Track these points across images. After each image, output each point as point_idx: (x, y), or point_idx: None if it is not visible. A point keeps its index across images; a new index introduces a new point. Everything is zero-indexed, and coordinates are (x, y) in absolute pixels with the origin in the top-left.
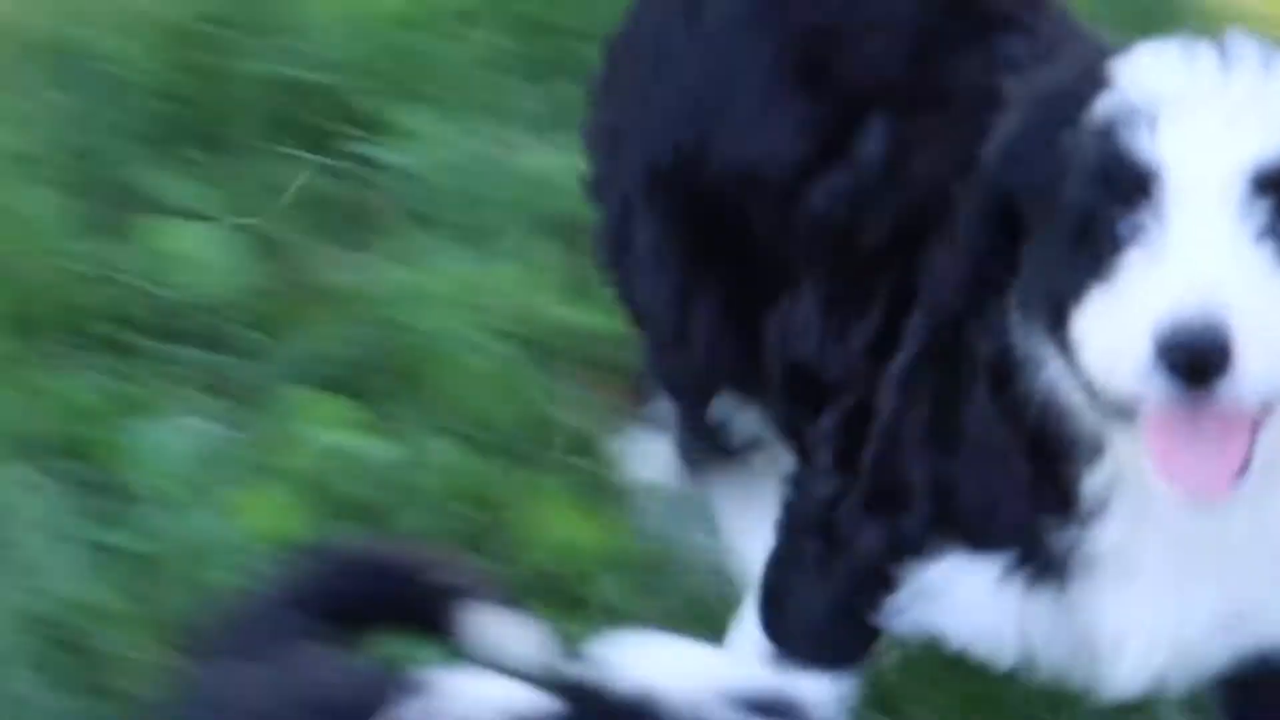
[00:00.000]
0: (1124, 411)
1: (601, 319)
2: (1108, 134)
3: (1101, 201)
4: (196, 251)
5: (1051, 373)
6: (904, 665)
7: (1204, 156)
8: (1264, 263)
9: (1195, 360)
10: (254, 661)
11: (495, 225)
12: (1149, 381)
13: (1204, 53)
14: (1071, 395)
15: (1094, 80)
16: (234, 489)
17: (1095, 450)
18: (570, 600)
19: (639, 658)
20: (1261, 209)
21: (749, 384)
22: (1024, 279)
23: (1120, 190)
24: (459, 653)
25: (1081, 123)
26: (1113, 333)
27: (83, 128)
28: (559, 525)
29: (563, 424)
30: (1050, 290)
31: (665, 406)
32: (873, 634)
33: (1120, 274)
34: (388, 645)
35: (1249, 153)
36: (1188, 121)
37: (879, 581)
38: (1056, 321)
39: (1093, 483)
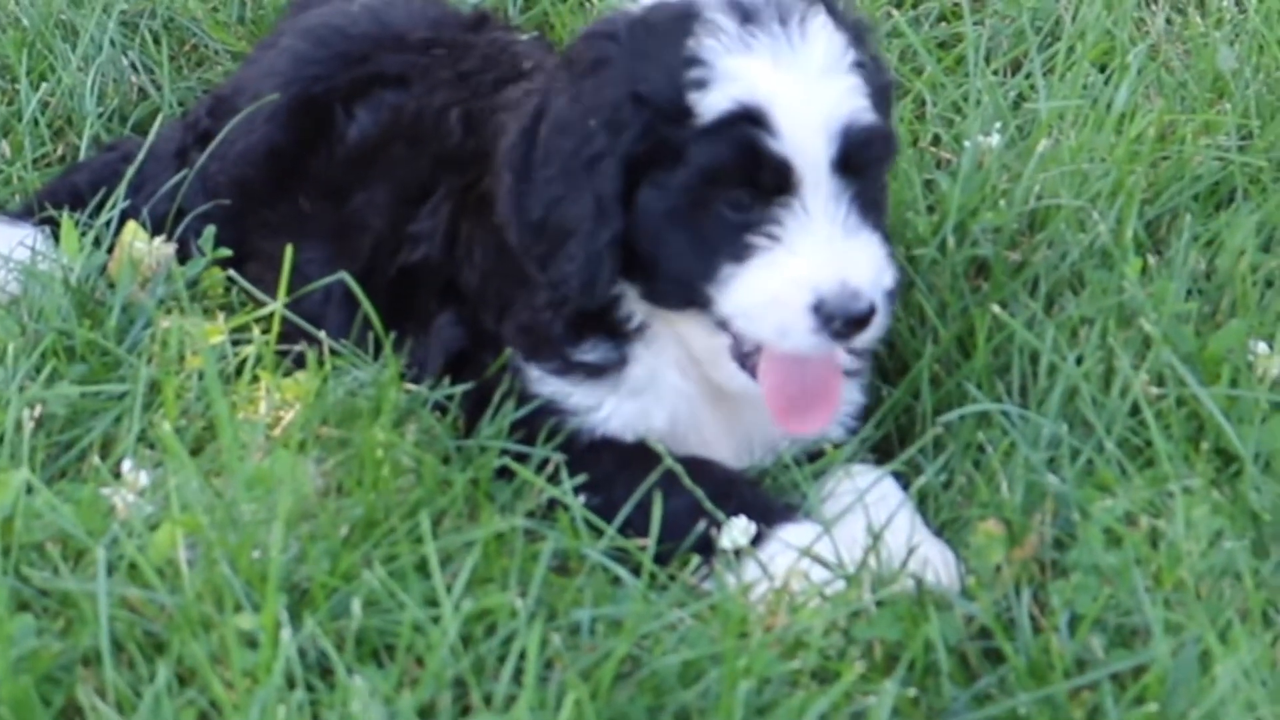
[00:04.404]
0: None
1: None
2: (733, 132)
3: (735, 193)
4: None
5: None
6: None
7: (814, 145)
8: (866, 231)
9: (852, 324)
10: None
11: None
12: (809, 341)
13: (784, 34)
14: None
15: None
16: None
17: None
18: None
19: None
20: (849, 183)
21: None
22: (640, 248)
23: (752, 184)
24: None
25: (690, 118)
26: (770, 306)
27: None
28: None
29: None
30: (682, 264)
31: None
32: None
33: (763, 255)
34: None
35: (840, 133)
36: (795, 114)
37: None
38: (687, 287)
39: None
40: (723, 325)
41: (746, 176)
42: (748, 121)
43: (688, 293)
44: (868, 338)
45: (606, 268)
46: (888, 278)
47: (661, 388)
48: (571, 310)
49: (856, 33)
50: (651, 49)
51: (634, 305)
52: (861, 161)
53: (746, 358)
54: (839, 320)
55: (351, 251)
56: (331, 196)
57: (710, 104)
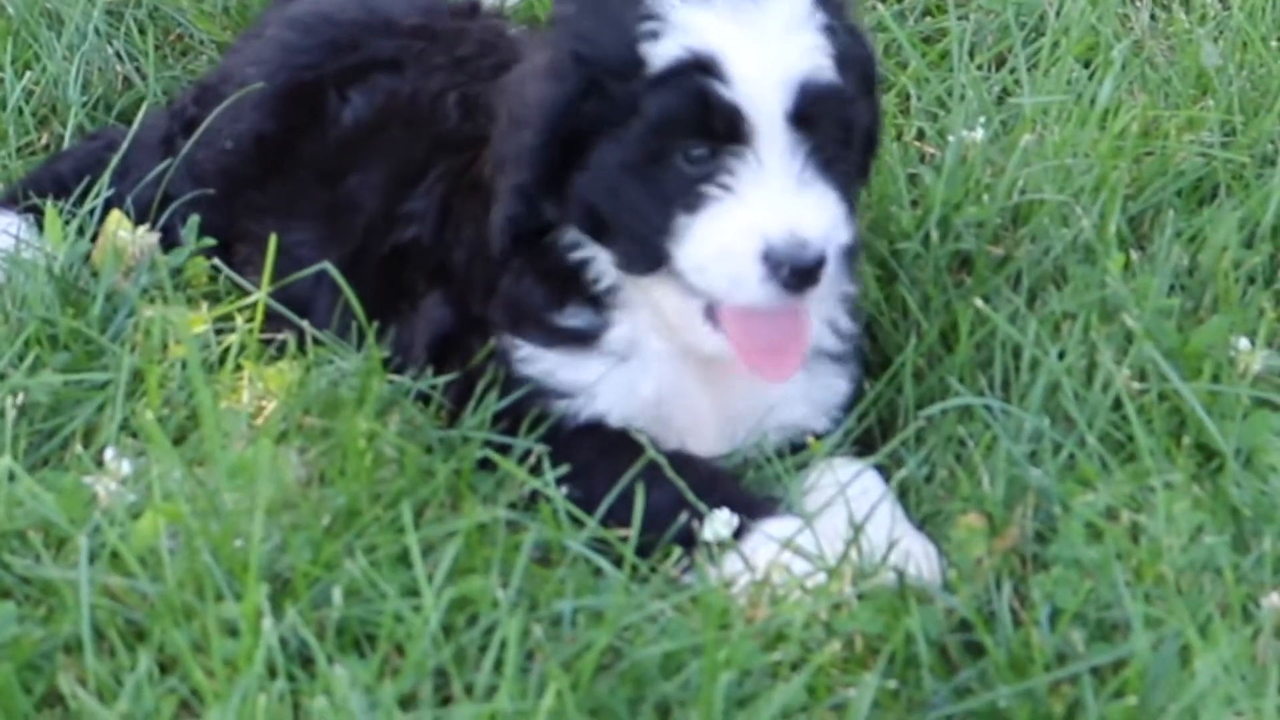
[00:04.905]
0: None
1: None
2: (681, 81)
3: (690, 145)
4: None
5: (579, 243)
6: None
7: (767, 96)
8: (821, 186)
9: (802, 275)
10: None
11: None
12: (759, 292)
13: None
14: (600, 261)
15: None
16: None
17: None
18: None
19: None
20: (806, 138)
21: None
22: (586, 201)
23: (704, 133)
24: None
25: (642, 70)
26: (720, 256)
27: None
28: None
29: None
30: (639, 218)
31: None
32: None
33: (715, 206)
34: None
35: (796, 86)
36: (748, 64)
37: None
38: (647, 245)
39: (606, 295)
40: (685, 283)
41: (699, 126)
42: (698, 70)
43: (649, 251)
44: (820, 292)
45: (523, 212)
46: (842, 234)
47: (645, 353)
48: (510, 250)
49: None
50: (606, 6)
51: (605, 269)
52: (818, 116)
53: (716, 316)
54: (787, 268)
55: (343, 232)
56: (324, 179)
57: (661, 53)
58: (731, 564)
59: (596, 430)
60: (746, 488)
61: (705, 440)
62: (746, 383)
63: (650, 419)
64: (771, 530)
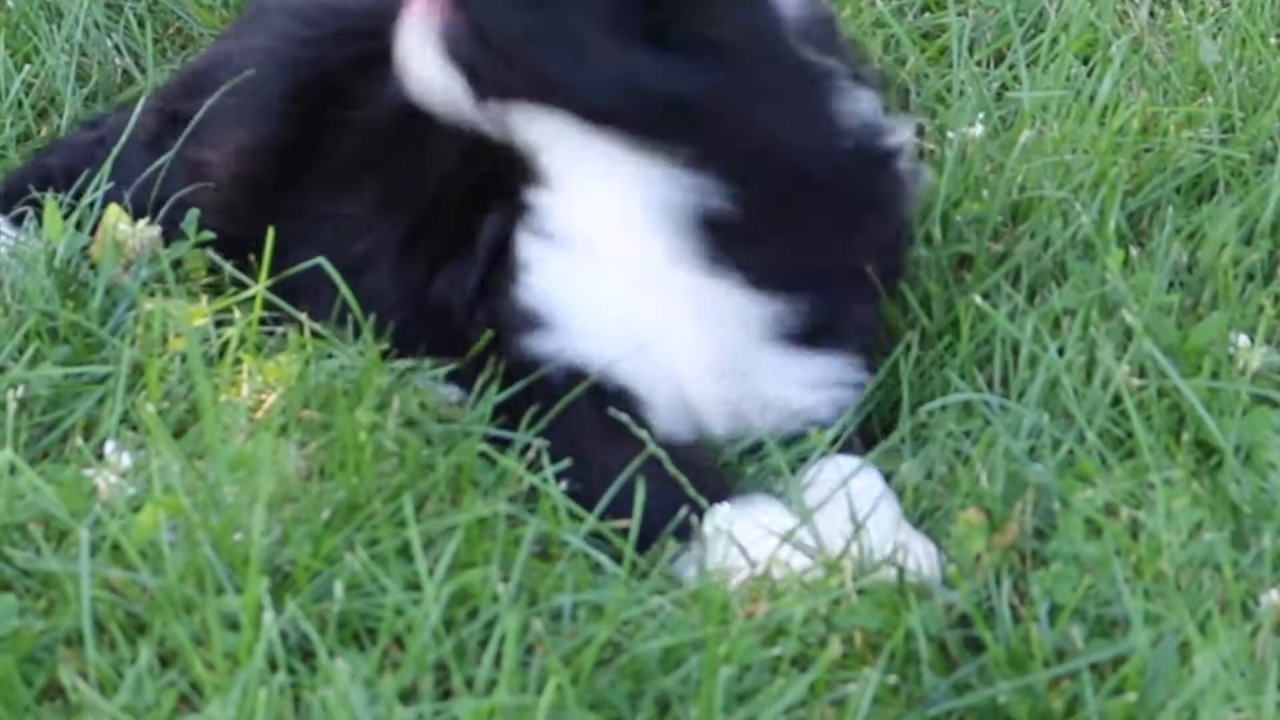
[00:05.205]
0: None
1: None
2: None
3: None
4: None
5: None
6: None
7: None
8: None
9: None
10: None
11: None
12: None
13: None
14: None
15: None
16: None
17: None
18: None
19: None
20: None
21: None
22: None
23: None
24: None
25: None
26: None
27: None
28: None
29: None
30: None
31: None
32: None
33: None
34: None
35: None
36: None
37: None
38: None
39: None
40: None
41: None
42: None
43: None
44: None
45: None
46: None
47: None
48: None
49: None
50: None
51: None
52: None
53: None
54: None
55: (404, 202)
56: (369, 166)
57: None
58: (731, 558)
59: (596, 414)
60: (742, 486)
61: (701, 374)
62: (737, 300)
63: (630, 339)
64: (771, 525)
